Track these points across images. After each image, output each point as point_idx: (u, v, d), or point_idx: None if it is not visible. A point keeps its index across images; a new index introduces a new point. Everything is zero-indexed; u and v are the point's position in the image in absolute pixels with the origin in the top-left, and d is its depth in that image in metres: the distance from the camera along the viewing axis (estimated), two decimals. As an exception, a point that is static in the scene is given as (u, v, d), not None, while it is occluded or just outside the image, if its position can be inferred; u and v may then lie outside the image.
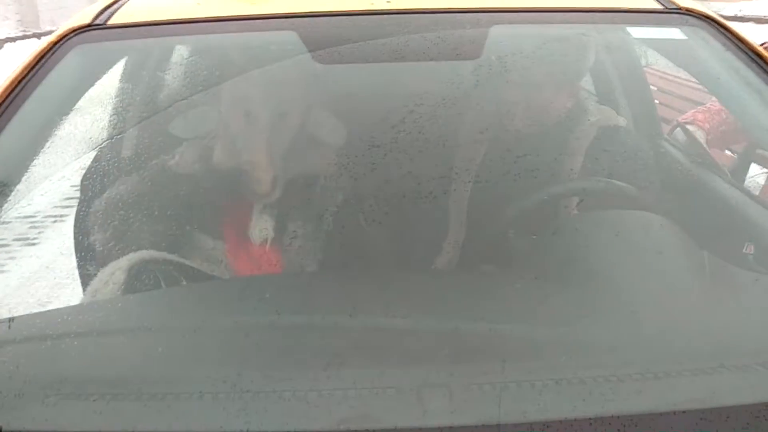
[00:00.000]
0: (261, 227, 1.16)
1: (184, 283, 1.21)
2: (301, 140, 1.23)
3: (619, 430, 0.82)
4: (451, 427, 0.82)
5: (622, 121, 1.47)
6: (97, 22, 1.47)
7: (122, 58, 1.48)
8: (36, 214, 1.43)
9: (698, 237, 1.24)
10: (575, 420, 0.83)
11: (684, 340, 0.98)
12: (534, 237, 1.09)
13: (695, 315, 1.04)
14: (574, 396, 0.87)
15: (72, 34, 1.44)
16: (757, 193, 1.84)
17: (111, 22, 1.47)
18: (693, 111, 2.04)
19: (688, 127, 1.85)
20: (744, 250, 1.36)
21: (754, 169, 1.94)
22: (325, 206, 1.16)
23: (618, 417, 0.83)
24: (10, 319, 0.97)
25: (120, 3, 1.55)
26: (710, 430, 0.82)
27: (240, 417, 0.84)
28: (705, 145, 1.82)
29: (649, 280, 1.09)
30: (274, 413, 0.85)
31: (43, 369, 0.95)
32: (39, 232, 1.40)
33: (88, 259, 1.25)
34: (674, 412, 0.84)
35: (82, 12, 1.54)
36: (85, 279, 1.20)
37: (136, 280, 1.18)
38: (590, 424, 0.83)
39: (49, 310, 1.11)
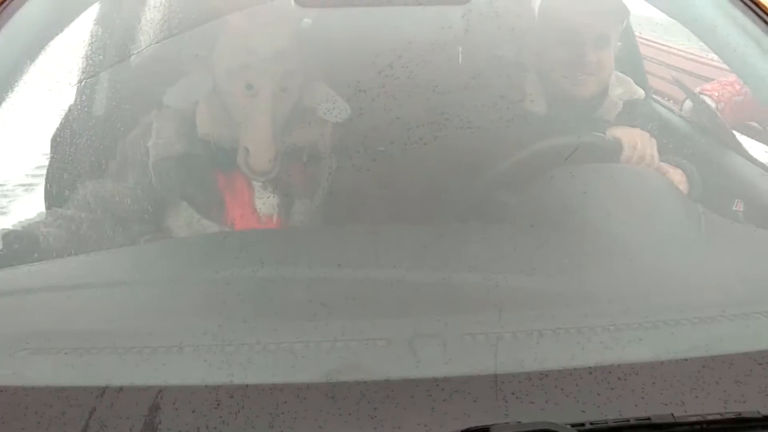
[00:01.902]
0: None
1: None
2: (287, 98, 1.17)
3: (619, 378, 0.79)
4: (445, 378, 0.79)
5: (641, 93, 1.44)
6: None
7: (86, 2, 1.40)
8: (6, 183, 1.36)
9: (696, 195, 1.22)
10: (574, 369, 0.80)
11: (683, 290, 0.95)
12: (531, 185, 1.05)
13: (693, 265, 1.01)
14: (573, 345, 0.84)
15: (37, -25, 1.36)
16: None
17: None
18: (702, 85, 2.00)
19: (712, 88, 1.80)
20: (734, 207, 1.34)
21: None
22: (310, 155, 1.10)
23: (618, 365, 0.80)
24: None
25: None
26: (712, 377, 0.79)
27: (222, 369, 0.80)
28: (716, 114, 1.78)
29: (645, 231, 1.06)
30: (258, 365, 0.81)
31: (11, 323, 0.90)
32: (9, 201, 1.34)
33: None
34: (675, 360, 0.81)
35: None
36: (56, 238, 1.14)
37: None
38: (590, 373, 0.79)
39: (18, 266, 1.05)
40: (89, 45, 1.42)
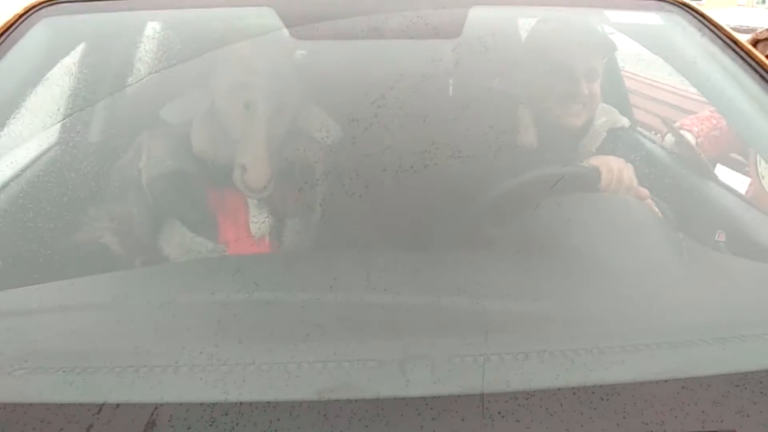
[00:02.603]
0: (258, 210, 1.14)
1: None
2: (283, 119, 1.21)
3: (601, 398, 0.82)
4: (434, 397, 0.81)
5: (626, 122, 1.49)
6: (66, -6, 1.42)
7: (90, 31, 1.44)
8: (4, 205, 1.38)
9: (675, 223, 1.26)
10: (558, 389, 0.83)
11: (663, 314, 0.98)
12: (518, 213, 1.08)
13: (673, 290, 1.04)
14: (557, 366, 0.86)
15: (38, 7, 1.40)
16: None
17: (80, -6, 1.43)
18: (682, 118, 2.07)
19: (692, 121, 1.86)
20: (716, 238, 1.38)
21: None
22: (304, 179, 1.13)
23: (601, 386, 0.83)
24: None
25: (89, -24, 1.51)
26: (691, 398, 0.82)
27: (217, 387, 0.82)
28: (694, 146, 1.84)
29: (628, 258, 1.09)
30: (252, 383, 0.83)
31: (9, 343, 0.92)
32: (7, 223, 1.36)
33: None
34: (656, 382, 0.84)
35: (50, -16, 1.49)
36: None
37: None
38: (573, 393, 0.82)
39: (15, 288, 1.07)
40: (87, 74, 1.46)
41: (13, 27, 1.36)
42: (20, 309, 0.98)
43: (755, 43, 2.31)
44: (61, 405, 0.80)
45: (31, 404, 0.80)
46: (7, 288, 1.04)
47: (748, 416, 0.81)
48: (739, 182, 1.42)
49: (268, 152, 1.12)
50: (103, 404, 0.80)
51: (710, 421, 0.79)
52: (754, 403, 0.82)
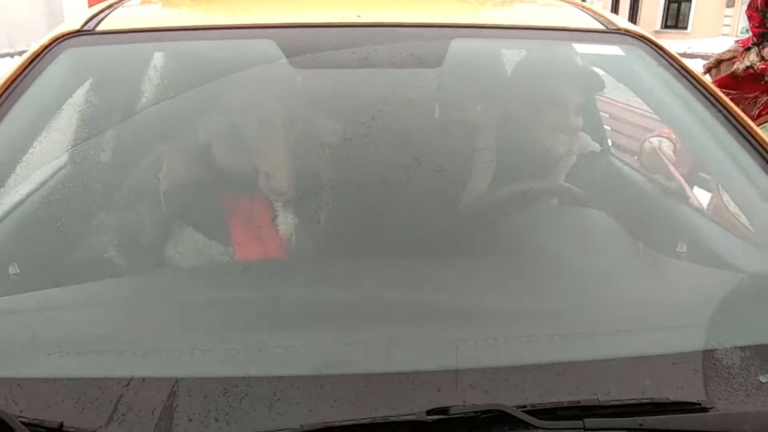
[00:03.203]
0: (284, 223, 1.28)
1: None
2: (293, 134, 1.36)
3: (558, 373, 0.96)
4: (414, 372, 0.95)
5: (596, 147, 1.64)
6: (86, 28, 1.58)
7: (110, 62, 1.59)
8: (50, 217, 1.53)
9: (640, 236, 1.40)
10: (521, 366, 0.97)
11: (617, 306, 1.13)
12: (490, 221, 1.23)
13: (626, 286, 1.19)
14: (521, 348, 1.01)
15: (62, 39, 1.55)
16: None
17: (99, 28, 1.58)
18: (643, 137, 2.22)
19: (655, 141, 2.01)
20: (678, 249, 1.53)
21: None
22: (306, 192, 1.28)
23: (558, 364, 0.97)
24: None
25: (108, 11, 1.66)
26: (634, 373, 0.96)
27: (229, 365, 0.96)
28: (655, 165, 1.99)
29: (588, 259, 1.24)
30: (259, 362, 0.97)
31: (46, 331, 1.05)
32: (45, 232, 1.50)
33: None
34: (605, 360, 0.99)
35: (71, 19, 1.65)
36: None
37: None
38: (534, 369, 0.96)
39: (50, 289, 1.20)
40: (105, 100, 1.62)
41: (40, 57, 1.50)
42: (55, 304, 1.12)
43: (718, 63, 2.47)
44: (95, 379, 0.94)
45: (69, 378, 0.94)
46: (42, 287, 1.17)
47: (681, 388, 0.95)
48: (692, 194, 1.57)
49: (286, 160, 1.27)
50: (131, 378, 0.93)
51: (649, 391, 0.93)
52: (687, 378, 0.96)
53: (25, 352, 0.98)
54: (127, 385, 0.92)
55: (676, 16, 27.46)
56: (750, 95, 2.33)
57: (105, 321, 1.06)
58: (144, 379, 0.93)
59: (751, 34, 2.37)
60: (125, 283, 1.19)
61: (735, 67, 2.35)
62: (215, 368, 0.96)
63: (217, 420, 0.88)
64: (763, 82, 2.26)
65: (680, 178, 1.59)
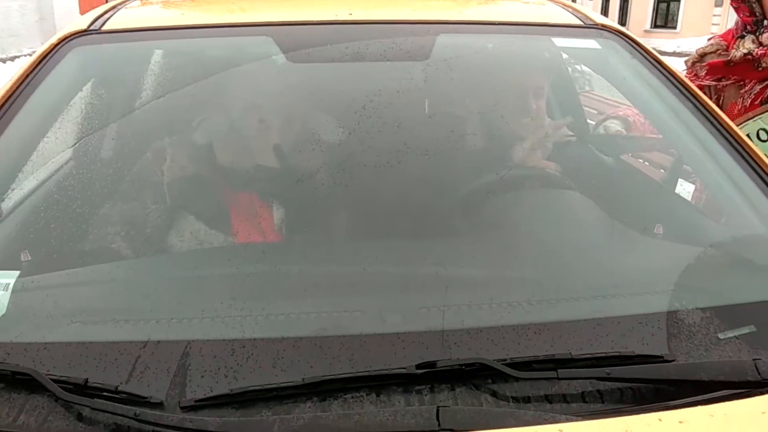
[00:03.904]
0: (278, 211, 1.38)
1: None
2: (290, 127, 1.46)
3: (535, 332, 1.06)
4: (405, 333, 1.05)
5: (575, 134, 1.74)
6: (93, 27, 1.67)
7: (116, 60, 1.69)
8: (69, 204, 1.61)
9: (615, 215, 1.50)
10: (501, 326, 1.07)
11: (590, 274, 1.23)
12: (472, 200, 1.33)
13: (600, 257, 1.29)
14: (501, 311, 1.11)
15: (70, 39, 1.64)
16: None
17: (105, 28, 1.67)
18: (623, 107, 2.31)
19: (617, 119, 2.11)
20: (654, 231, 1.63)
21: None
22: (302, 174, 1.38)
23: (534, 324, 1.07)
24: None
25: (112, 12, 1.76)
26: (604, 331, 1.06)
27: (236, 328, 1.05)
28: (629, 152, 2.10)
29: (565, 235, 1.34)
30: (263, 325, 1.06)
31: (68, 302, 1.14)
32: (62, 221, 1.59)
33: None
34: (577, 321, 1.09)
35: (78, 19, 1.75)
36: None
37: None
38: (513, 329, 1.06)
39: (71, 269, 1.29)
40: (113, 96, 1.71)
41: (49, 56, 1.59)
42: (74, 281, 1.21)
43: (703, 56, 2.56)
44: (114, 342, 1.03)
45: (91, 342, 1.03)
46: (63, 267, 1.26)
47: (646, 344, 1.05)
48: (659, 175, 1.68)
49: (282, 156, 1.37)
50: (147, 341, 1.03)
51: (616, 347, 1.03)
52: (652, 335, 1.06)
53: (50, 321, 1.08)
54: (144, 347, 1.02)
55: (665, 16, 27.70)
56: (746, 82, 2.40)
57: (121, 293, 1.16)
58: (159, 341, 1.03)
59: (741, 23, 2.45)
60: (137, 262, 1.28)
61: (732, 54, 2.41)
62: (223, 332, 1.05)
63: (226, 376, 0.98)
64: (760, 69, 2.33)
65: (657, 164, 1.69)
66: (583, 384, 0.97)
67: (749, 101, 2.38)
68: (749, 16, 2.39)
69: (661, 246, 1.36)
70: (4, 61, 14.87)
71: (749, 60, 2.32)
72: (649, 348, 1.03)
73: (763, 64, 2.32)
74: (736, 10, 2.44)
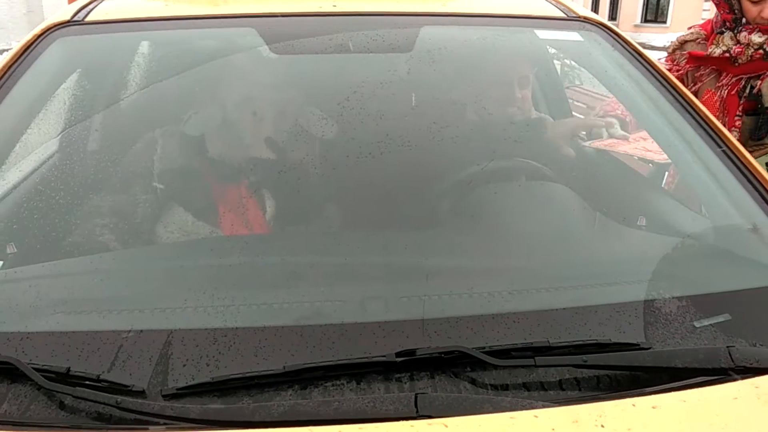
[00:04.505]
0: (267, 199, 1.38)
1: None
2: (271, 120, 1.46)
3: (514, 321, 1.07)
4: (385, 322, 1.06)
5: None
6: (76, 18, 1.67)
7: (100, 51, 1.68)
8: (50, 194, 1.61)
9: (597, 207, 1.51)
10: (480, 316, 1.08)
11: (571, 264, 1.24)
12: (454, 190, 1.35)
13: (581, 247, 1.31)
14: (480, 300, 1.12)
15: (53, 30, 1.64)
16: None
17: (88, 18, 1.67)
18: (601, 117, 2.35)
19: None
20: (638, 223, 1.65)
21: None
22: (285, 165, 1.39)
23: (513, 313, 1.08)
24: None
25: (96, 3, 1.75)
26: (582, 319, 1.08)
27: (217, 318, 1.06)
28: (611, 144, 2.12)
29: (544, 226, 1.36)
30: (245, 314, 1.07)
31: (50, 292, 1.15)
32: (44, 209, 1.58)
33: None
34: (555, 309, 1.10)
35: (62, 10, 1.74)
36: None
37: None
38: (492, 317, 1.07)
39: (53, 261, 1.29)
40: (96, 87, 1.71)
41: (32, 46, 1.59)
42: (57, 272, 1.21)
43: (683, 43, 2.60)
44: (96, 332, 1.04)
45: (73, 332, 1.04)
46: (48, 258, 1.26)
47: (623, 332, 1.06)
48: (642, 168, 1.69)
49: (274, 148, 1.38)
50: (130, 330, 1.03)
51: (594, 335, 1.04)
52: (629, 324, 1.08)
53: (32, 310, 1.08)
54: (127, 336, 1.02)
55: (655, 11, 27.76)
56: (723, 74, 2.47)
57: (105, 284, 1.16)
58: (141, 331, 1.04)
59: (721, 19, 2.50)
60: (121, 252, 1.29)
61: (710, 50, 2.48)
62: (205, 321, 1.06)
63: (208, 365, 0.99)
64: (737, 65, 2.40)
65: (635, 154, 1.71)
66: (560, 371, 0.99)
67: (726, 92, 2.44)
68: (728, 13, 2.45)
69: (640, 236, 1.38)
70: (-8, 52, 14.75)
71: (728, 57, 2.38)
72: (625, 336, 1.05)
73: (740, 61, 2.38)
74: (717, 6, 2.49)
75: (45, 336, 1.03)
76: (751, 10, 2.37)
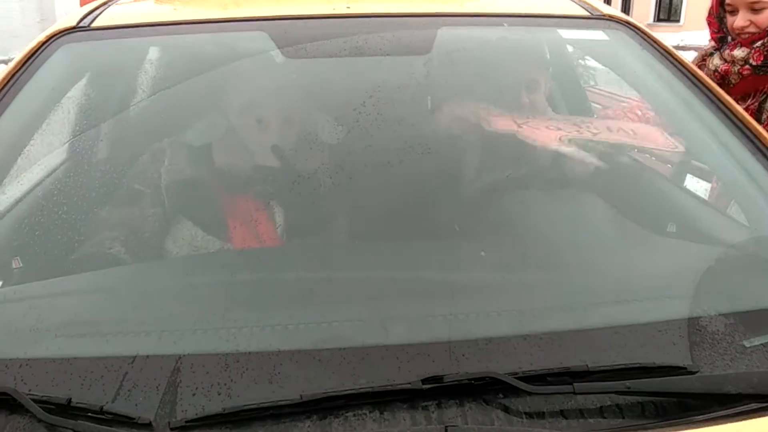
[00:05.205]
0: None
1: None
2: (289, 127, 1.39)
3: (547, 342, 0.99)
4: (409, 344, 0.98)
5: None
6: (82, 24, 1.61)
7: (106, 57, 1.62)
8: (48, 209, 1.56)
9: (629, 216, 1.43)
10: (512, 336, 1.00)
11: (605, 279, 1.16)
12: (478, 199, 1.27)
13: (615, 261, 1.22)
14: (511, 320, 1.04)
15: (58, 36, 1.58)
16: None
17: (95, 24, 1.61)
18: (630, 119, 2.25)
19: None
20: (667, 228, 1.56)
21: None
22: (298, 175, 1.32)
23: (546, 333, 1.00)
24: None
25: (102, 8, 1.69)
26: (622, 340, 1.00)
27: (230, 341, 0.99)
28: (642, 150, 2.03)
29: (577, 237, 1.27)
30: (259, 338, 1.00)
31: (52, 314, 1.08)
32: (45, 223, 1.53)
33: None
34: (592, 329, 1.02)
35: (67, 16, 1.68)
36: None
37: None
38: (524, 339, 0.99)
39: (56, 278, 1.23)
40: (102, 95, 1.65)
41: (37, 53, 1.53)
42: (59, 291, 1.15)
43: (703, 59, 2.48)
44: (100, 358, 0.97)
45: (75, 358, 0.97)
46: (49, 276, 1.20)
47: (667, 354, 0.98)
48: (676, 174, 1.61)
49: (279, 151, 1.31)
50: (136, 356, 0.96)
51: (636, 357, 0.96)
52: (673, 344, 1.00)
53: (32, 335, 1.01)
54: (132, 362, 0.95)
55: (668, 9, 27.51)
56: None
57: (108, 305, 1.10)
58: (148, 356, 0.97)
59: (710, 40, 2.42)
60: (127, 270, 1.22)
61: (706, 71, 2.37)
62: (216, 345, 0.99)
63: (219, 393, 0.91)
64: (731, 86, 2.27)
65: (668, 160, 1.62)
66: (601, 398, 0.91)
67: None
68: (716, 33, 2.36)
69: (680, 247, 1.29)
70: (6, 62, 14.82)
71: (721, 76, 2.26)
72: (670, 358, 0.97)
73: (733, 81, 2.25)
74: (709, 25, 2.41)
75: (45, 363, 0.96)
76: (729, 21, 2.26)
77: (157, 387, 0.92)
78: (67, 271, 1.23)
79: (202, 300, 1.08)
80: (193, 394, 0.91)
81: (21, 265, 1.25)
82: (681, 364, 0.95)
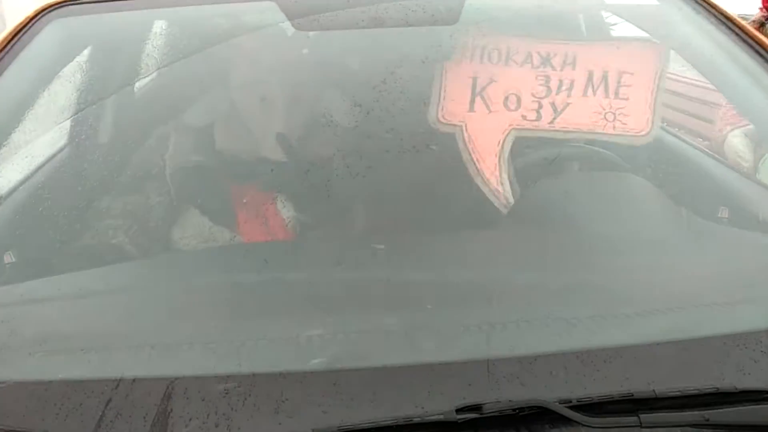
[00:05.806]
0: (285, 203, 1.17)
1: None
2: (297, 107, 1.24)
3: (604, 360, 0.84)
4: (440, 363, 0.83)
5: None
6: (73, -3, 1.46)
7: (99, 31, 1.48)
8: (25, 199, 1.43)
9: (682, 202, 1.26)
10: (562, 353, 0.85)
11: (664, 281, 1.00)
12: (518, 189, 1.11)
13: (674, 259, 1.06)
14: (560, 332, 0.89)
15: (48, 10, 1.44)
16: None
17: (86, -3, 1.46)
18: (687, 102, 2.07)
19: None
20: (719, 215, 1.39)
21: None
22: (311, 163, 1.17)
23: (603, 349, 0.85)
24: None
25: (96, -22, 1.54)
26: (691, 357, 0.84)
27: (230, 360, 0.85)
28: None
29: (627, 230, 1.11)
30: (264, 356, 0.86)
31: (27, 327, 0.95)
32: (28, 215, 1.40)
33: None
34: (656, 344, 0.86)
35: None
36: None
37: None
38: (576, 356, 0.84)
39: (33, 280, 1.10)
40: (98, 72, 1.50)
41: (26, 28, 1.39)
42: (36, 297, 1.01)
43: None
44: (80, 381, 0.83)
45: (50, 381, 0.83)
46: (24, 279, 1.07)
47: (749, 374, 0.82)
48: (740, 161, 1.43)
49: (290, 133, 1.16)
50: (121, 380, 0.82)
51: (711, 378, 0.81)
52: (755, 362, 0.84)
53: (3, 353, 0.88)
54: (116, 387, 0.82)
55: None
56: None
57: (91, 314, 0.96)
58: (134, 380, 0.83)
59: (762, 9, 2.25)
60: (112, 271, 1.08)
61: None
62: (215, 365, 0.85)
63: (217, 425, 0.78)
64: None
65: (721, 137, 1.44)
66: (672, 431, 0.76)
67: None
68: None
69: (753, 242, 1.12)
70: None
71: None
72: (754, 380, 0.81)
73: None
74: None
75: (17, 388, 0.83)
76: None
77: (144, 417, 0.79)
78: (46, 272, 1.10)
79: (198, 309, 0.94)
80: (186, 426, 0.78)
81: (13, 260, 1.13)
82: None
